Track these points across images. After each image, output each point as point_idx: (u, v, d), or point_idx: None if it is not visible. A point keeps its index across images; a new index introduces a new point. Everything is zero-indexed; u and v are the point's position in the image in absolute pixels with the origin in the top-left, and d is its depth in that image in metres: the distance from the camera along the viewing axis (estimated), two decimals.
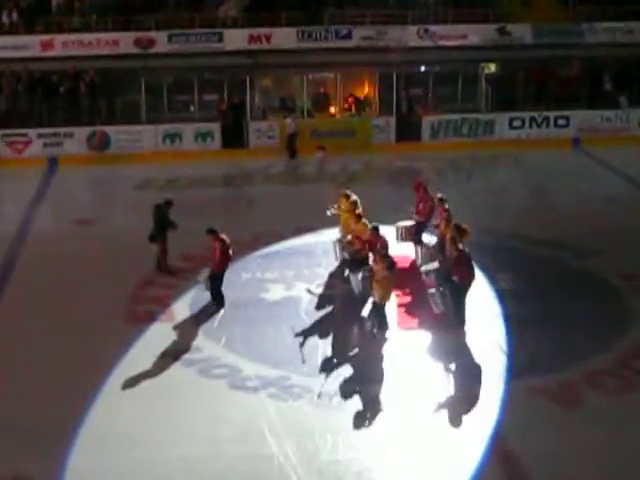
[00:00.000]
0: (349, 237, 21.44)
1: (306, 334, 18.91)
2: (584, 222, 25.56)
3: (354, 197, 21.99)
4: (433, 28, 35.65)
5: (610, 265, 22.30)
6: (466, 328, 18.86)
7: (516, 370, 17.33)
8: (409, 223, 22.66)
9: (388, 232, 21.41)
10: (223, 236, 20.15)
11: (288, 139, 33.26)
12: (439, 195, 22.22)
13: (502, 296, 20.51)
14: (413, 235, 22.40)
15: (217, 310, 20.01)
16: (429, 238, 22.28)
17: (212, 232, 20.13)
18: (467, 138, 34.94)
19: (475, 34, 35.88)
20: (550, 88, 36.29)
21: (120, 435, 15.21)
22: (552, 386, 16.71)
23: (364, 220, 20.94)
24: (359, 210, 21.43)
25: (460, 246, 18.99)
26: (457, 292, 19.05)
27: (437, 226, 21.28)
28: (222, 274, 20.11)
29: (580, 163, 32.89)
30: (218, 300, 20.12)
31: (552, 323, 19.18)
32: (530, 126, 35.22)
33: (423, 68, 36.20)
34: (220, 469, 14.24)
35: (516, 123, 35.29)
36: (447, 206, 21.44)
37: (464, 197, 26.50)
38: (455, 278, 19.12)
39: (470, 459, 14.36)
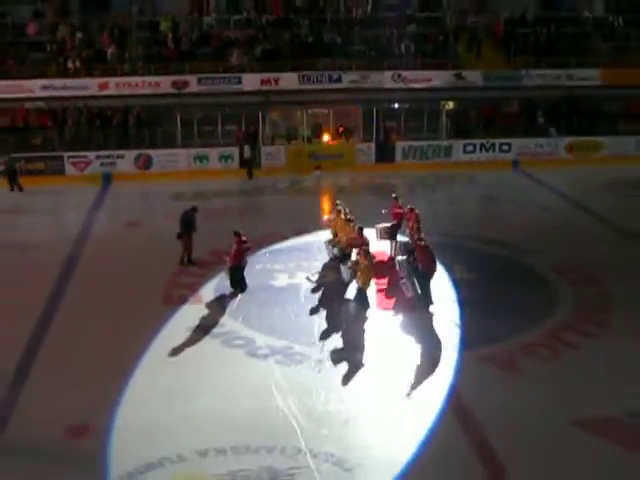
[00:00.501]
0: (336, 238, 21.50)
1: (305, 313, 18.93)
2: (523, 227, 25.53)
3: (344, 207, 22.00)
4: (404, 73, 35.50)
5: (544, 261, 22.26)
6: (431, 309, 18.88)
7: (468, 342, 17.31)
8: (386, 225, 22.67)
9: (370, 232, 21.39)
10: (244, 238, 20.17)
11: (246, 164, 33.00)
12: (409, 206, 22.21)
13: (457, 284, 20.42)
14: (389, 234, 22.41)
15: (236, 294, 19.97)
16: (401, 237, 22.22)
17: (236, 234, 20.15)
18: (431, 160, 34.83)
19: (437, 78, 35.76)
20: (496, 121, 36.19)
21: (160, 393, 15.23)
22: (496, 354, 16.72)
23: (352, 223, 20.96)
24: (350, 216, 21.42)
25: (426, 244, 19.05)
26: (423, 280, 19.10)
27: (410, 229, 21.28)
28: (238, 267, 20.08)
29: (519, 180, 32.84)
30: (235, 286, 20.08)
31: (497, 305, 19.18)
32: (480, 151, 35.08)
33: (396, 105, 36.06)
34: (238, 419, 14.25)
35: (469, 148, 35.15)
36: (417, 211, 21.48)
37: (429, 206, 26.41)
38: (421, 269, 19.18)
39: (432, 411, 14.37)
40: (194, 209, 22.20)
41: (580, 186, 30.74)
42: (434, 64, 36.12)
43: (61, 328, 18.24)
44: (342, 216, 21.74)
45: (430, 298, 19.02)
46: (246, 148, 33.35)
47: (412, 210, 21.67)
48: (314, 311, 19.00)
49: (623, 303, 19.35)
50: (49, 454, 13.26)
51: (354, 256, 19.89)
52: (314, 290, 20.31)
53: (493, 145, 35.16)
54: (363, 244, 19.50)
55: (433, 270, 19.13)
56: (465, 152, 35.16)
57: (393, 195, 23.72)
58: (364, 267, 18.54)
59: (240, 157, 33.87)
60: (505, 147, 35.11)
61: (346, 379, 15.69)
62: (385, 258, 21.73)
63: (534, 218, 26.72)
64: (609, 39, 37.77)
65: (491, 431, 13.91)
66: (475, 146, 35.22)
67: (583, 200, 28.80)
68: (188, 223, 21.82)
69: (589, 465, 12.97)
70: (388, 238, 22.37)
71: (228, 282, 20.19)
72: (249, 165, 33.04)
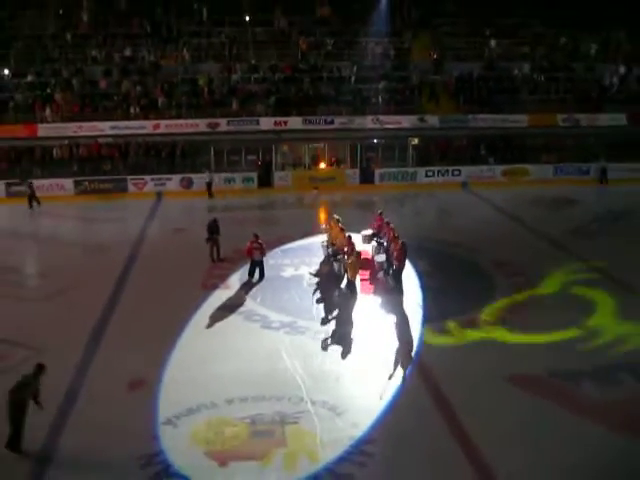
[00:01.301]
0: (330, 241, 21.45)
1: (307, 296, 18.91)
2: (470, 232, 25.43)
3: (339, 218, 21.93)
4: (381, 117, 35.52)
5: (486, 257, 22.22)
6: (402, 293, 18.86)
7: (429, 318, 17.31)
8: (369, 232, 22.65)
9: (357, 237, 21.30)
10: (260, 240, 20.12)
11: (207, 186, 32.16)
12: (386, 220, 22.14)
13: (421, 274, 20.40)
14: (370, 239, 22.35)
15: (253, 282, 19.99)
16: (379, 241, 22.15)
17: (254, 235, 20.17)
18: (401, 182, 34.79)
19: (406, 121, 35.70)
20: (449, 153, 36.17)
21: (197, 355, 15.29)
22: (449, 327, 16.72)
23: (344, 232, 20.84)
24: (341, 225, 21.34)
25: (401, 242, 19.03)
26: (397, 273, 19.06)
27: (387, 235, 21.22)
28: (251, 260, 20.10)
29: (468, 198, 32.78)
30: (250, 275, 20.14)
31: (450, 290, 19.15)
32: (438, 175, 34.95)
33: (375, 140, 36.00)
34: (256, 375, 14.25)
35: (429, 173, 35.02)
36: (392, 225, 21.41)
37: (400, 217, 26.35)
38: (395, 264, 19.14)
39: (401, 372, 14.34)
40: (215, 220, 22.22)
41: (512, 202, 30.70)
42: (403, 110, 36.07)
43: (125, 306, 18.27)
44: (335, 224, 21.60)
45: (401, 286, 19.00)
46: (207, 173, 32.48)
47: (388, 223, 21.62)
48: (314, 295, 18.97)
49: (542, 289, 19.35)
50: (115, 403, 13.26)
51: (345, 256, 19.80)
52: (314, 280, 20.28)
53: (447, 171, 35.07)
54: (352, 246, 19.44)
55: (404, 265, 19.13)
56: (426, 176, 35.05)
57: (379, 211, 23.56)
58: (352, 263, 18.51)
59: (258, 179, 33.81)
60: (456, 172, 35.02)
61: (338, 346, 15.69)
62: (367, 256, 21.67)
63: (479, 226, 26.66)
64: (534, 92, 37.75)
65: (446, 385, 13.94)
66: (434, 172, 35.12)
67: (514, 212, 28.75)
68: (212, 230, 21.87)
69: (516, 409, 13.06)
70: (369, 242, 22.34)
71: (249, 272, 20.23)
72: (209, 187, 32.17)
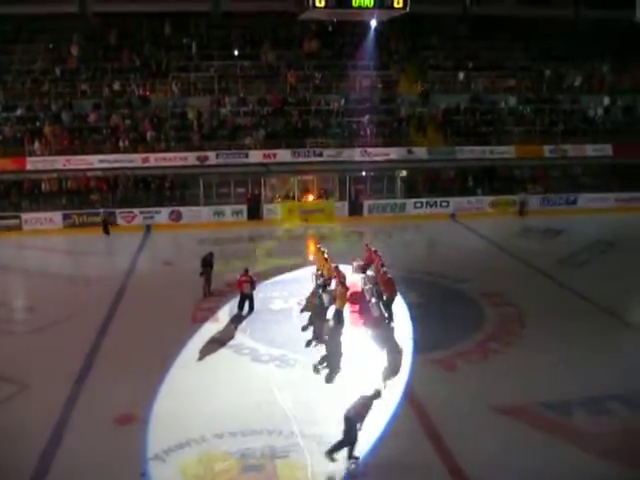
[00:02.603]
0: (319, 272, 21.55)
1: (296, 329, 18.94)
2: (459, 262, 25.62)
3: (325, 249, 22.06)
4: (369, 149, 35.82)
5: (474, 288, 22.38)
6: (392, 325, 18.94)
7: (419, 349, 17.38)
8: (360, 262, 22.82)
9: (345, 267, 21.42)
10: (250, 273, 20.19)
11: (103, 223, 31.57)
12: (373, 249, 22.31)
13: (411, 305, 20.50)
14: (362, 269, 22.47)
15: (242, 314, 20.01)
16: (369, 272, 22.27)
17: (245, 269, 20.31)
18: (389, 213, 35.02)
19: (394, 153, 35.96)
20: (437, 184, 36.49)
21: (187, 389, 15.22)
22: (439, 358, 16.81)
23: (329, 262, 20.97)
24: (326, 256, 21.45)
25: (389, 276, 19.14)
26: (387, 303, 19.17)
27: (376, 266, 21.34)
28: (241, 294, 20.16)
29: (456, 229, 33.00)
30: (239, 308, 20.16)
31: (440, 321, 19.28)
32: (426, 207, 35.20)
33: (364, 173, 36.23)
34: (246, 409, 14.23)
35: (418, 205, 35.24)
36: (380, 254, 21.57)
37: (388, 248, 26.50)
38: (385, 295, 19.24)
39: (393, 401, 14.39)
40: (211, 254, 22.21)
41: (500, 232, 30.97)
42: (391, 142, 36.41)
43: (114, 339, 18.20)
44: (321, 255, 21.73)
45: (392, 317, 19.10)
46: (103, 212, 31.80)
47: (376, 252, 21.78)
48: (303, 328, 19.00)
49: (532, 319, 19.52)
50: (102, 438, 13.18)
51: (333, 286, 19.91)
52: (302, 312, 20.32)
53: (435, 202, 35.28)
54: (339, 277, 19.56)
55: (394, 296, 19.24)
56: (415, 207, 35.25)
57: (366, 243, 23.69)
58: (340, 294, 18.61)
59: (248, 211, 33.95)
60: (445, 204, 35.26)
61: (327, 378, 15.73)
62: (357, 288, 21.74)
63: (467, 256, 26.85)
64: (520, 123, 38.28)
65: (435, 415, 14.00)
66: (422, 203, 35.33)
67: (502, 243, 28.99)
68: (207, 264, 21.85)
69: (505, 440, 13.11)
70: (360, 272, 22.46)
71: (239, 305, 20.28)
72: (105, 224, 31.59)
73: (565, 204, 35.72)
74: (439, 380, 15.71)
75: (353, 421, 12.25)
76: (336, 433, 12.84)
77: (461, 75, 39.73)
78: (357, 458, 12.40)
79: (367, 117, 37.16)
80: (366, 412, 12.58)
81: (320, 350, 17.26)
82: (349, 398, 14.46)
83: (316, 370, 16.12)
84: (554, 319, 19.44)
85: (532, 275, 24.31)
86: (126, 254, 27.72)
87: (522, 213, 34.84)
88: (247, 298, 20.18)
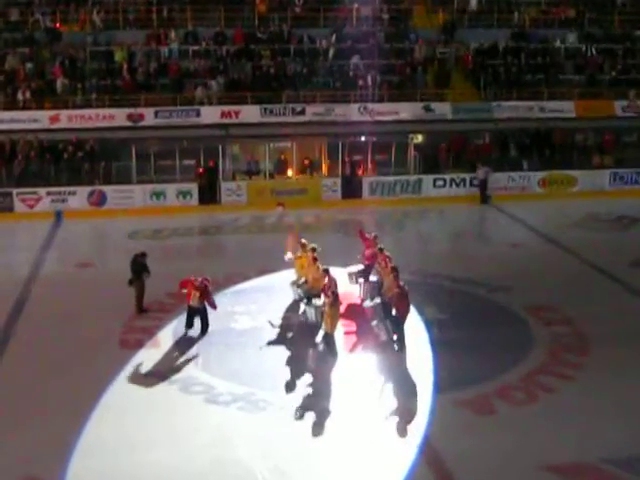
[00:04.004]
0: (303, 278, 21.51)
1: (268, 357, 18.89)
2: (495, 263, 25.75)
3: (311, 246, 22.00)
4: (371, 106, 35.88)
5: (516, 299, 22.45)
6: (404, 352, 18.96)
7: (441, 385, 17.37)
8: (357, 268, 22.75)
9: (336, 272, 21.37)
10: (201, 280, 20.13)
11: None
12: (379, 245, 22.33)
13: (429, 325, 20.52)
14: (362, 276, 22.46)
15: (191, 336, 19.98)
16: (372, 277, 22.27)
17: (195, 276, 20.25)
18: (399, 195, 35.10)
19: (405, 111, 36.15)
20: (466, 154, 36.58)
21: (111, 443, 15.06)
22: (468, 398, 16.79)
23: (318, 264, 20.95)
24: (316, 255, 21.41)
25: (401, 284, 19.13)
26: (397, 323, 19.17)
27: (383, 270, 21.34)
28: (189, 308, 20.12)
29: (491, 216, 33.16)
30: (189, 325, 20.21)
31: (469, 346, 19.28)
32: (450, 185, 35.37)
33: (363, 138, 36.28)
34: (197, 472, 14.12)
35: (439, 183, 35.40)
36: (387, 253, 21.58)
37: (397, 244, 26.58)
38: (395, 312, 19.25)
39: (404, 462, 14.38)
40: (143, 254, 21.90)
41: (553, 221, 31.10)
42: (401, 96, 36.50)
43: (9, 375, 17.96)
44: (307, 256, 21.66)
45: (404, 342, 19.10)
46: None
47: (382, 250, 21.77)
48: (278, 356, 18.95)
49: (597, 343, 19.54)
50: None
51: (321, 299, 19.85)
52: (278, 334, 20.30)
53: (463, 180, 35.47)
54: (330, 287, 19.45)
55: (407, 313, 19.23)
56: (435, 187, 35.43)
57: (373, 234, 23.67)
58: (331, 311, 18.58)
59: (199, 193, 33.86)
60: (476, 181, 35.39)
61: (313, 428, 15.66)
62: (354, 300, 21.73)
63: (506, 254, 26.99)
64: (582, 71, 38.41)
65: (462, 478, 13.96)
66: (445, 180, 35.53)
67: (556, 235, 29.14)
68: (139, 268, 21.65)
69: None
70: (360, 279, 22.40)
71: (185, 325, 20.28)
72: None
73: None
74: (468, 429, 15.68)
75: None
76: None
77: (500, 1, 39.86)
78: None
79: (367, 60, 37.14)
80: None
81: (303, 388, 17.25)
82: (344, 457, 14.51)
83: (297, 416, 16.10)
84: (626, 344, 19.46)
85: (597, 281, 24.44)
86: (25, 252, 27.56)
87: (483, 198, 34.73)
88: (198, 314, 20.11)
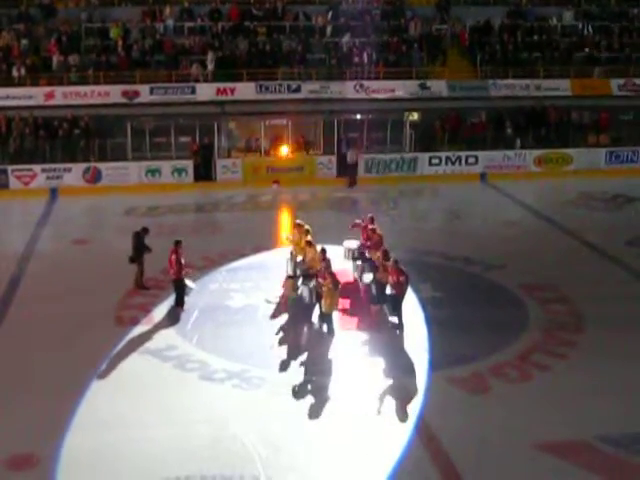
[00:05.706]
0: (300, 257, 21.42)
1: (263, 334, 18.89)
2: (490, 242, 25.75)
3: (306, 227, 21.88)
4: (367, 83, 35.76)
5: (511, 277, 22.46)
6: (401, 331, 18.94)
7: (436, 363, 17.39)
8: (354, 244, 22.63)
9: (332, 251, 21.26)
10: (177, 248, 20.03)
11: None
12: (372, 226, 22.19)
13: (424, 303, 20.51)
14: (358, 253, 22.36)
15: (188, 314, 19.93)
16: (368, 256, 22.19)
17: (176, 243, 20.19)
18: (394, 173, 35.01)
19: (401, 88, 36.03)
20: (462, 133, 36.45)
21: (107, 419, 15.09)
22: (463, 375, 16.80)
23: (314, 247, 20.80)
24: (309, 237, 21.30)
25: (398, 265, 19.03)
26: (394, 303, 19.11)
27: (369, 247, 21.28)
28: (180, 281, 20.08)
29: (486, 194, 33.13)
30: (180, 304, 20.15)
31: (465, 324, 19.29)
32: (446, 163, 35.24)
33: (359, 116, 36.19)
34: (192, 447, 14.12)
35: (434, 161, 35.30)
36: (381, 232, 21.50)
37: (392, 222, 26.55)
38: (391, 289, 19.20)
39: (399, 438, 14.40)
40: (145, 230, 21.83)
41: (549, 200, 31.07)
42: (397, 73, 36.34)
43: (5, 351, 17.94)
44: (302, 235, 21.51)
45: (400, 319, 19.07)
46: None
47: (374, 231, 21.67)
48: (273, 333, 18.96)
49: (592, 322, 19.57)
50: None
51: (317, 280, 19.75)
52: (273, 311, 20.28)
53: (459, 158, 35.39)
54: (327, 267, 19.27)
55: (404, 292, 19.18)
56: (430, 165, 35.33)
57: (369, 215, 23.55)
58: (328, 290, 18.51)
59: (194, 170, 33.78)
60: (471, 160, 35.37)
61: (308, 404, 15.69)
62: (349, 278, 21.67)
63: (501, 233, 26.99)
64: (579, 48, 38.28)
65: (457, 454, 13.97)
66: (440, 159, 35.41)
67: (551, 214, 29.15)
68: (140, 246, 21.57)
69: None
70: (356, 257, 22.29)
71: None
72: None
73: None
74: (463, 406, 15.71)
75: None
76: None
77: None
78: None
79: (362, 38, 36.97)
80: None
81: (298, 366, 17.25)
82: (339, 433, 14.50)
83: (293, 393, 16.09)
84: (621, 322, 19.50)
85: (593, 260, 24.46)
86: (21, 230, 27.51)
87: (350, 180, 34.35)
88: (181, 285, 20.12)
